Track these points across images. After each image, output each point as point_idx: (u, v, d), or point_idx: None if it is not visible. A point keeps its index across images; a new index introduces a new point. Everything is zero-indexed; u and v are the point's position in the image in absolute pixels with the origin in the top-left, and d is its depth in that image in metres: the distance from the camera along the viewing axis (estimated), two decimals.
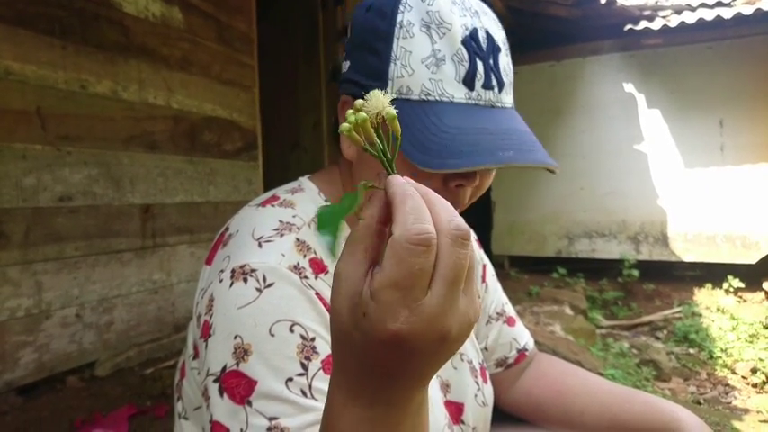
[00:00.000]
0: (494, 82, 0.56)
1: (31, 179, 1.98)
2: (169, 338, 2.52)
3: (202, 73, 2.76)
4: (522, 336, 0.87)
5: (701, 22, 4.25)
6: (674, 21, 4.40)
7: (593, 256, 4.88)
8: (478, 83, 0.55)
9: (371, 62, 0.56)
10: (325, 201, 0.64)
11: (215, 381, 0.50)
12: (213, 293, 0.53)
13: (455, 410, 0.70)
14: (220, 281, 0.53)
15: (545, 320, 3.18)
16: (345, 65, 0.62)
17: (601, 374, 2.56)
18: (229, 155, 2.96)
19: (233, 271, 0.53)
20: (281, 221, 0.58)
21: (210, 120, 2.82)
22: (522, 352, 0.85)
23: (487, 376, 0.78)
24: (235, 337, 0.50)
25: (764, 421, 2.49)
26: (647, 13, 4.64)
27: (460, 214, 0.38)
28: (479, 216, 5.10)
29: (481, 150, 0.51)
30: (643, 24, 4.51)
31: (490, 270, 0.89)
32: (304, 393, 0.48)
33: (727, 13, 4.11)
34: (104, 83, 2.24)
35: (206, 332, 0.52)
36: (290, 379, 0.49)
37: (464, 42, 0.54)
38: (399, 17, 0.54)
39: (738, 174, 4.31)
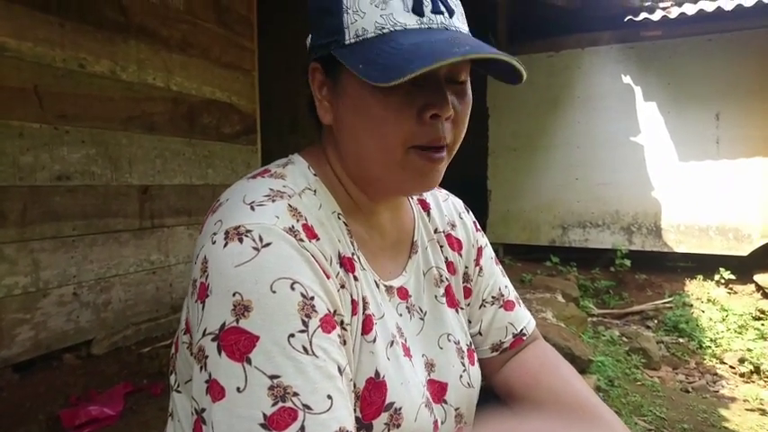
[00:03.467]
0: (442, 8, 0.58)
1: (28, 157, 1.97)
2: (166, 318, 2.54)
3: (202, 55, 2.74)
4: (521, 320, 0.84)
5: (701, 13, 4.25)
6: (674, 12, 4.40)
7: (587, 245, 4.92)
8: (427, 9, 0.57)
9: (328, 22, 0.59)
10: (314, 175, 0.65)
11: (213, 339, 0.49)
12: (206, 255, 0.53)
13: (438, 389, 0.70)
14: (213, 242, 0.53)
15: (537, 307, 3.21)
16: (310, 37, 0.64)
17: (591, 361, 2.59)
18: (228, 138, 2.96)
19: (226, 232, 0.53)
20: (271, 189, 0.59)
21: (209, 102, 2.81)
22: (518, 337, 0.82)
23: (475, 359, 0.78)
24: (234, 294, 0.49)
25: (751, 410, 2.54)
26: (647, 4, 4.63)
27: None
28: (475, 204, 5.11)
29: (436, 51, 0.52)
30: (643, 15, 4.50)
31: (488, 253, 0.87)
32: (305, 350, 0.49)
33: (728, 5, 4.11)
34: (103, 62, 2.23)
35: (202, 293, 0.52)
36: (292, 335, 0.49)
37: None
38: None
39: (733, 167, 4.34)
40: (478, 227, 0.88)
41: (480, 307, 0.83)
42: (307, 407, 0.46)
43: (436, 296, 0.76)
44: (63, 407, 1.77)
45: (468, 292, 0.82)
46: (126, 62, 2.32)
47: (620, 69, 4.73)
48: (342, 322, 0.56)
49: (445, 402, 0.70)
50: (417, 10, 0.56)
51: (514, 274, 4.40)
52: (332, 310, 0.54)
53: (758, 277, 4.14)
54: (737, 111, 4.30)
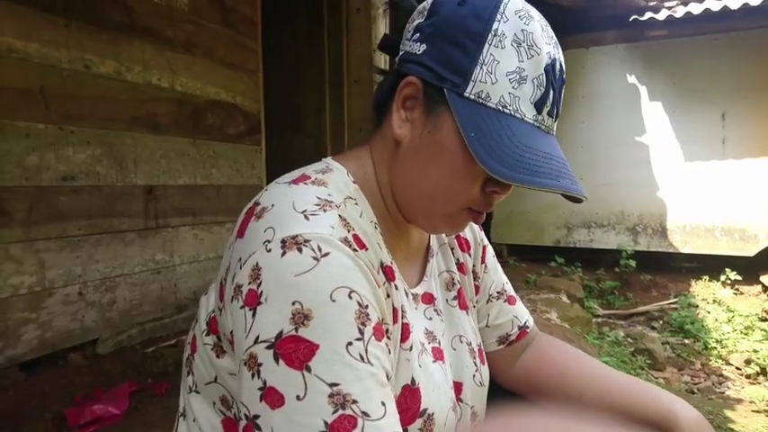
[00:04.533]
0: (555, 111, 0.61)
1: (33, 158, 1.98)
2: (171, 318, 2.54)
3: (206, 55, 2.75)
4: (523, 314, 0.89)
5: (707, 12, 4.23)
6: (679, 11, 4.38)
7: (591, 246, 4.91)
8: (546, 109, 0.59)
9: (455, 56, 0.58)
10: (354, 182, 0.65)
11: (268, 347, 0.49)
12: (259, 263, 0.53)
13: (456, 390, 0.72)
14: (268, 250, 0.53)
15: (542, 308, 3.20)
16: (419, 47, 0.61)
17: None
18: (232, 138, 2.96)
19: (283, 241, 0.52)
20: (318, 198, 0.58)
21: (214, 103, 2.82)
22: (523, 329, 0.87)
23: (485, 358, 0.80)
24: (293, 303, 0.50)
25: (757, 411, 2.52)
26: (652, 3, 4.62)
27: None
28: None
29: (547, 173, 0.56)
30: (648, 15, 4.48)
31: (490, 251, 0.91)
32: (362, 358, 0.49)
33: (734, 4, 4.09)
34: (108, 63, 2.24)
35: (252, 300, 0.52)
36: (350, 343, 0.49)
37: (546, 69, 0.58)
38: (495, 25, 0.57)
39: (739, 167, 4.32)
40: (481, 226, 0.91)
41: (487, 302, 0.87)
42: (365, 414, 0.47)
43: (448, 300, 0.78)
44: (68, 405, 1.78)
45: (477, 290, 0.86)
46: (131, 63, 2.33)
47: (625, 69, 4.71)
48: (387, 330, 0.57)
49: (461, 401, 0.72)
50: (539, 106, 0.59)
51: (519, 274, 4.39)
52: (381, 319, 0.55)
53: (765, 278, 4.12)
54: (744, 110, 4.28)
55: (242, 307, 0.52)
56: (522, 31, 0.57)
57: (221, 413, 0.62)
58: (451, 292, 0.79)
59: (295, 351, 0.48)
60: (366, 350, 0.50)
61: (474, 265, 0.86)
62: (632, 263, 4.46)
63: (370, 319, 0.52)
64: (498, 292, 0.88)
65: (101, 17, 2.20)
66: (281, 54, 3.88)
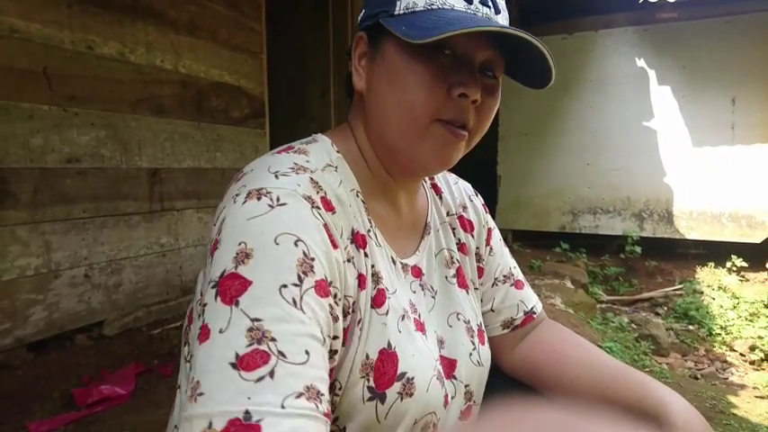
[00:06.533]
0: (489, 2, 0.62)
1: (38, 139, 1.98)
2: (176, 300, 2.56)
3: (210, 37, 2.73)
4: (530, 299, 0.88)
5: None
6: None
7: (597, 231, 4.89)
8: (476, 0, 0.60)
9: None
10: (337, 152, 0.67)
11: (213, 286, 0.50)
12: (225, 215, 0.55)
13: (448, 366, 0.71)
14: (234, 202, 0.55)
15: (546, 293, 3.20)
16: (362, 13, 0.67)
17: (600, 347, 2.59)
18: (236, 121, 2.95)
19: (248, 193, 0.54)
20: (295, 163, 0.60)
21: (218, 85, 2.80)
22: (529, 314, 0.86)
23: (485, 338, 0.80)
24: (239, 244, 0.51)
25: (760, 397, 2.53)
26: None
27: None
28: (484, 189, 5.08)
29: (478, 21, 0.57)
30: None
31: (496, 235, 0.90)
32: (294, 302, 0.49)
33: None
34: (111, 44, 2.22)
35: (214, 248, 0.53)
36: (285, 285, 0.49)
37: None
38: None
39: (748, 152, 4.27)
40: (487, 209, 0.91)
41: (492, 285, 0.86)
42: (282, 354, 0.46)
43: (447, 276, 0.78)
44: (76, 386, 1.80)
45: (480, 272, 0.85)
46: (134, 44, 2.32)
47: (634, 52, 4.64)
48: (335, 296, 0.55)
49: (455, 378, 0.71)
50: None
51: (524, 260, 4.38)
52: (329, 280, 0.54)
53: None
54: (754, 95, 4.22)
55: (209, 255, 0.54)
56: None
57: None
58: (450, 269, 0.79)
59: (230, 287, 0.48)
60: (301, 297, 0.50)
61: (478, 248, 0.85)
62: (638, 249, 4.44)
63: (314, 272, 0.52)
64: (505, 276, 0.87)
65: None
66: (286, 38, 3.84)
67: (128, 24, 2.28)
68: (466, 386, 0.73)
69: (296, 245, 0.51)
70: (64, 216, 2.08)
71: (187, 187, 2.64)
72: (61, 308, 2.08)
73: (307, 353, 0.47)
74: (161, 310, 2.48)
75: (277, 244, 0.50)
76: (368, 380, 0.59)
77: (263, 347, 0.46)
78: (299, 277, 0.50)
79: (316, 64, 3.90)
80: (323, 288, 0.53)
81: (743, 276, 4.20)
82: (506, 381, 0.85)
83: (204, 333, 0.48)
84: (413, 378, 0.62)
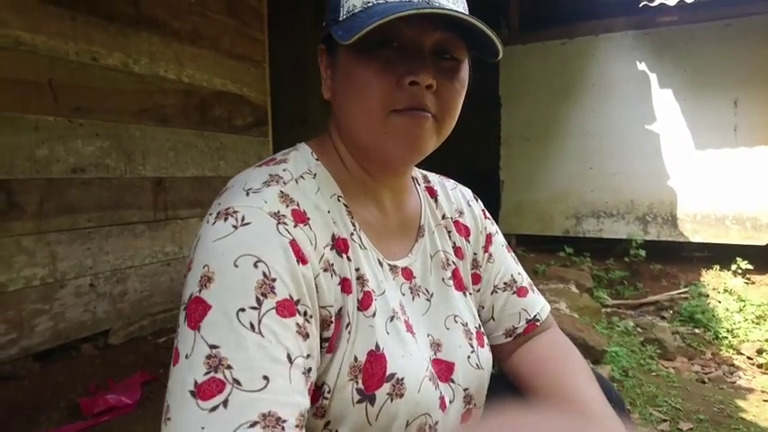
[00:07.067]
0: None
1: (43, 150, 2.00)
2: None
3: (213, 47, 2.75)
4: (534, 306, 0.84)
5: None
6: None
7: (601, 235, 4.87)
8: None
9: (331, 4, 0.65)
10: (317, 159, 0.68)
11: (183, 309, 0.52)
12: (200, 235, 0.57)
13: (445, 369, 0.70)
14: (207, 222, 0.57)
15: (550, 298, 3.19)
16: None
17: (605, 352, 2.58)
18: (239, 130, 2.96)
19: (218, 213, 0.56)
20: (270, 175, 0.62)
21: (221, 94, 2.82)
22: (531, 322, 0.83)
23: (484, 341, 0.78)
24: (204, 267, 0.52)
25: None
26: None
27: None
28: (487, 194, 5.09)
29: (395, 10, 0.55)
30: (658, 1, 4.41)
31: (498, 240, 0.87)
32: (252, 326, 0.49)
33: None
34: (115, 55, 2.24)
35: (188, 268, 0.55)
36: (243, 309, 0.50)
37: None
38: None
39: (751, 155, 4.25)
40: (488, 215, 0.90)
41: (492, 293, 0.84)
42: (236, 381, 0.46)
43: (443, 279, 0.77)
44: (82, 395, 1.80)
45: (476, 279, 0.84)
46: (138, 55, 2.34)
47: (635, 56, 4.64)
48: (305, 313, 0.55)
49: (453, 381, 0.70)
50: None
51: (527, 264, 4.37)
52: (295, 299, 0.54)
53: None
54: (757, 97, 4.21)
55: (185, 276, 0.56)
56: None
57: None
58: (447, 271, 0.78)
59: (195, 312, 0.50)
60: (260, 321, 0.50)
61: (475, 254, 0.84)
62: (642, 252, 4.42)
63: (275, 293, 0.52)
64: (506, 283, 0.84)
65: (106, 9, 2.20)
66: (288, 47, 3.87)
67: (131, 35, 2.30)
68: (465, 389, 0.72)
69: (255, 266, 0.52)
70: (69, 226, 2.09)
71: (191, 196, 2.65)
72: (67, 317, 2.09)
73: (265, 378, 0.48)
74: (166, 319, 2.48)
75: (236, 266, 0.51)
76: (356, 382, 0.59)
77: (219, 375, 0.46)
78: (258, 300, 0.51)
79: (318, 72, 3.91)
80: (287, 308, 0.53)
81: (748, 279, 4.18)
82: (511, 385, 0.83)
83: (175, 356, 0.50)
84: (402, 379, 0.62)
